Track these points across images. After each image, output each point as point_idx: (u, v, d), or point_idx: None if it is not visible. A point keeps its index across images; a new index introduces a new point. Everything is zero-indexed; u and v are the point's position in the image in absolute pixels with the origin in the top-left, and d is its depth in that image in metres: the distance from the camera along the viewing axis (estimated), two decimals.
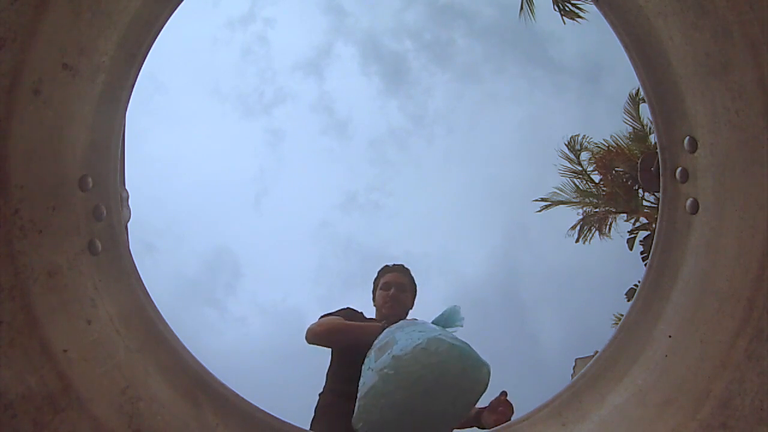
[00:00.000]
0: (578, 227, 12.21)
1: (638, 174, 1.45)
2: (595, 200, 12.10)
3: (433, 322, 2.10)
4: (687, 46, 1.10)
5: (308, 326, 2.44)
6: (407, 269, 2.95)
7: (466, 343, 1.80)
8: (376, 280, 2.92)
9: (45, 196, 1.02)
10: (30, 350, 0.97)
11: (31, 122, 0.96)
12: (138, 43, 1.17)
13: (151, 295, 1.29)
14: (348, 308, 2.75)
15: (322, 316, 2.55)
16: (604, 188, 11.86)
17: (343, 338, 2.32)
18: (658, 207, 1.30)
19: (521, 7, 10.75)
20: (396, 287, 2.78)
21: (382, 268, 2.96)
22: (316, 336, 2.38)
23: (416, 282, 2.98)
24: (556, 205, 12.32)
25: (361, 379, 1.84)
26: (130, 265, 1.26)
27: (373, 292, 2.91)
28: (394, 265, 2.99)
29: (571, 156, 12.07)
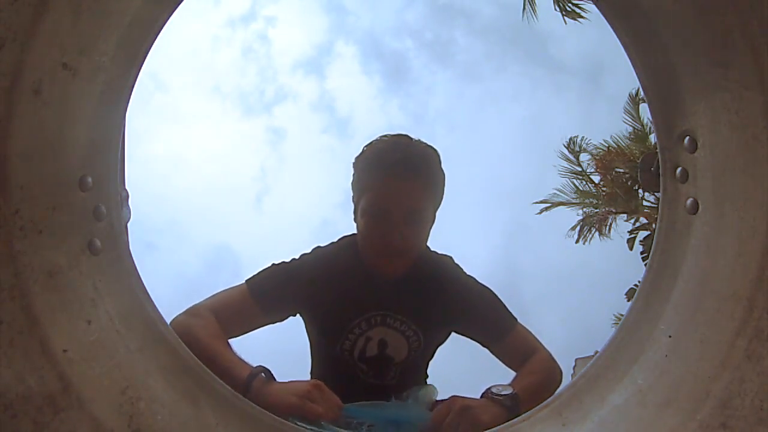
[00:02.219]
0: (578, 227, 12.23)
1: (638, 174, 1.45)
2: (594, 201, 12.11)
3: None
4: (687, 46, 1.10)
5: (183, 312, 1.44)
6: (427, 160, 1.47)
7: None
8: (358, 180, 1.53)
9: (45, 196, 1.02)
10: (30, 350, 0.97)
11: (31, 122, 0.96)
12: (138, 43, 1.17)
13: (151, 295, 1.29)
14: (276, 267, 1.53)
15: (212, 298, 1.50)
16: (604, 188, 11.88)
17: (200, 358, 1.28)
18: (658, 207, 1.30)
19: (524, 8, 10.78)
20: (399, 218, 1.42)
21: (373, 156, 1.48)
22: (175, 327, 1.34)
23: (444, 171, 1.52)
24: (555, 206, 12.34)
25: None
26: (131, 265, 1.26)
27: (354, 203, 1.54)
28: (397, 148, 1.45)
29: (571, 157, 12.10)
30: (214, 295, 1.53)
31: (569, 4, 10.52)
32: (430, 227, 1.57)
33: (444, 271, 1.64)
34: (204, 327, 1.38)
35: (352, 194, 1.56)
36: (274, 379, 1.33)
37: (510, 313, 1.63)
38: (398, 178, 1.43)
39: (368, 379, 1.64)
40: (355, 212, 1.56)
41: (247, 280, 1.56)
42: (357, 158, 1.55)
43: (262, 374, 1.30)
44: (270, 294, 1.52)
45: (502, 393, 1.36)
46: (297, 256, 1.62)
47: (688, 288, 1.18)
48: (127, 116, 1.23)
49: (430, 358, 1.77)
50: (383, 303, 1.56)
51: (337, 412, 1.29)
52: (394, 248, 1.46)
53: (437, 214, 1.60)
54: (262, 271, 1.58)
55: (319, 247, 1.67)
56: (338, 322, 1.57)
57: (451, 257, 1.69)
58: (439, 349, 1.76)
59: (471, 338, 1.67)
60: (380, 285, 1.56)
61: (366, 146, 1.55)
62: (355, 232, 1.62)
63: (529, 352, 1.57)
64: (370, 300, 1.56)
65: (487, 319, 1.62)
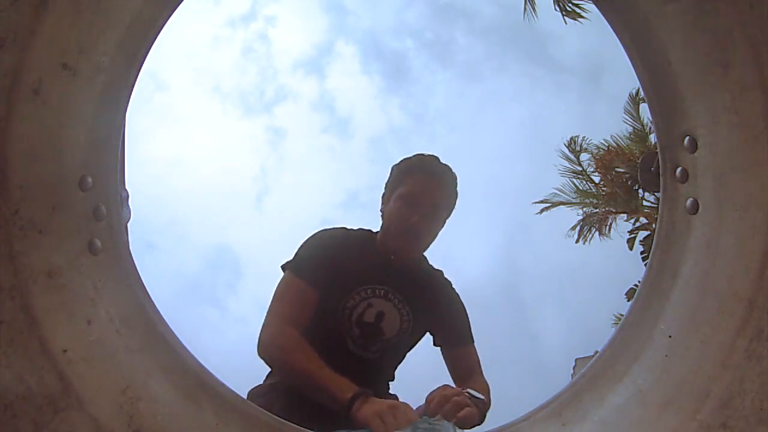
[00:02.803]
0: (578, 227, 12.22)
1: (638, 174, 1.45)
2: (595, 200, 12.11)
3: None
4: (687, 46, 1.10)
5: (263, 329, 1.60)
6: (452, 176, 1.83)
7: None
8: (396, 177, 1.84)
9: (45, 196, 1.02)
10: (30, 350, 0.97)
11: (31, 122, 0.96)
12: (138, 43, 1.17)
13: (151, 295, 1.29)
14: (322, 236, 1.77)
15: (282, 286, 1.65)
16: (604, 188, 11.87)
17: (296, 381, 1.52)
18: (658, 207, 1.30)
19: (524, 8, 10.79)
20: (426, 208, 1.74)
21: (414, 161, 1.85)
22: (265, 356, 1.58)
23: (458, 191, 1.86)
24: (556, 206, 12.33)
25: None
26: (130, 265, 1.26)
27: (386, 196, 1.86)
28: (433, 160, 1.83)
29: (571, 157, 12.09)
30: (273, 302, 1.66)
31: (569, 4, 10.51)
32: (438, 230, 1.84)
33: (437, 277, 1.94)
34: (296, 350, 1.52)
35: (384, 191, 1.89)
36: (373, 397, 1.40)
37: (471, 332, 1.90)
38: (432, 176, 1.80)
39: (355, 349, 1.77)
40: (384, 203, 1.86)
41: (289, 269, 1.72)
42: (398, 164, 1.89)
43: (364, 394, 1.38)
44: (311, 267, 1.69)
45: (477, 396, 1.48)
46: (317, 231, 1.85)
47: (688, 288, 1.18)
48: (127, 116, 1.23)
49: (400, 361, 1.91)
50: (389, 280, 1.78)
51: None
52: (415, 226, 1.73)
53: (445, 223, 1.88)
54: (295, 256, 1.75)
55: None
56: (349, 282, 1.75)
57: (442, 271, 1.98)
58: (433, 352, 1.93)
59: (435, 336, 1.90)
60: (389, 267, 1.80)
61: (405, 158, 1.90)
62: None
63: (475, 371, 1.81)
64: (379, 274, 1.78)
65: (456, 325, 1.88)
